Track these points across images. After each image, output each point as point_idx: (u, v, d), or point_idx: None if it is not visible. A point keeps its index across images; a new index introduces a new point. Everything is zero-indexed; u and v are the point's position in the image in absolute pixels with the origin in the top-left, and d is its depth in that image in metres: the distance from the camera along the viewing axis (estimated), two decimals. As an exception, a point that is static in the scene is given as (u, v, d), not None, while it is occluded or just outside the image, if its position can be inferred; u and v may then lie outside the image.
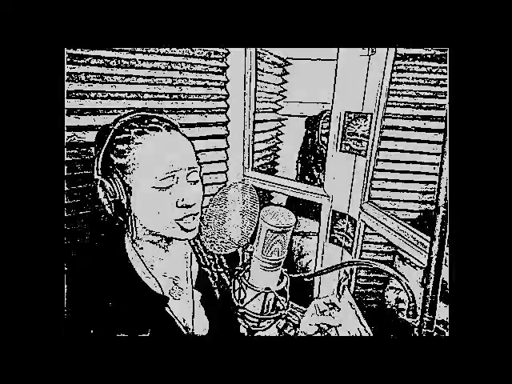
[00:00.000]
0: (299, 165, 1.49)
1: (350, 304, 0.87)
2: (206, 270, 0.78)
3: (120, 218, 0.68)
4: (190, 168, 0.65)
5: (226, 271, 0.78)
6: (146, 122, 0.67)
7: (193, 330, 0.71)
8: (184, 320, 0.71)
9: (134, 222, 0.68)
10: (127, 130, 0.65)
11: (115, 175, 0.64)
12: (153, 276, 0.70)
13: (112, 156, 0.65)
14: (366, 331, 0.80)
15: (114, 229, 0.73)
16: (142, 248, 0.70)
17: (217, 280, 0.76)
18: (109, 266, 0.67)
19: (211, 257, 0.79)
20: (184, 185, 0.64)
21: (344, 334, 0.82)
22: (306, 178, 1.28)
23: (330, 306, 0.87)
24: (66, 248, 0.87)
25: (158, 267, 0.71)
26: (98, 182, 0.64)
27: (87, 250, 0.75)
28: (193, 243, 0.80)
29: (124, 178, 0.64)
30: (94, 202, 1.03)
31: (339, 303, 0.86)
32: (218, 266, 0.78)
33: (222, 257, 0.79)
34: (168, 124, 0.69)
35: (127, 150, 0.64)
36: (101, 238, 0.80)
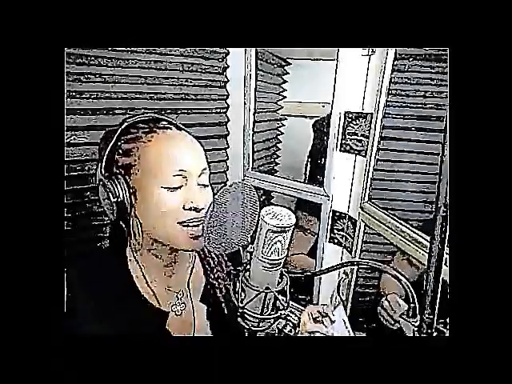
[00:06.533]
0: (308, 168, 1.48)
1: (344, 322, 0.87)
2: (214, 282, 0.75)
3: (121, 223, 0.65)
4: (202, 169, 0.63)
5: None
6: (154, 122, 0.65)
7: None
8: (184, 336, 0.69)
9: (137, 227, 0.64)
10: (134, 130, 0.64)
11: (119, 176, 0.61)
12: (152, 290, 0.66)
13: (117, 156, 0.63)
14: None
15: (115, 237, 0.69)
16: (143, 259, 0.66)
17: (224, 294, 0.74)
18: (108, 278, 0.64)
19: (220, 269, 0.76)
20: (194, 187, 0.62)
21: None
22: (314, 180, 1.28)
23: (324, 314, 0.86)
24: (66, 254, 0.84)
25: (161, 280, 0.68)
26: (101, 183, 0.62)
27: (87, 260, 0.70)
28: (203, 255, 0.77)
29: (128, 179, 0.62)
30: (92, 207, 1.01)
31: (332, 316, 0.85)
32: (227, 279, 0.75)
33: (231, 268, 0.77)
34: (177, 125, 0.68)
35: (134, 149, 0.62)
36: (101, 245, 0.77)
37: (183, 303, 0.70)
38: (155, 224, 0.62)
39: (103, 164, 0.62)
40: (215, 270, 0.76)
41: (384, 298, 1.02)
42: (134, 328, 0.61)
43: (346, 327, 0.86)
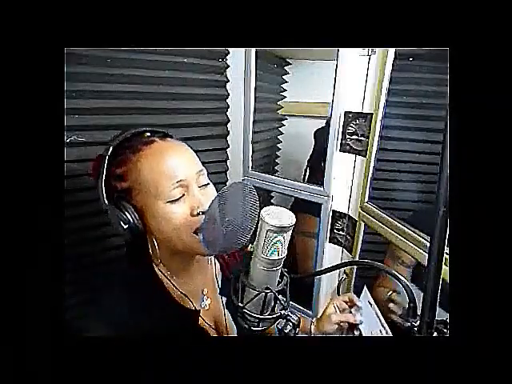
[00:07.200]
0: (307, 172, 1.48)
1: (370, 304, 0.86)
2: (230, 276, 0.77)
3: (140, 241, 0.66)
4: (197, 172, 0.63)
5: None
6: (138, 138, 0.64)
7: (227, 334, 0.71)
8: (218, 326, 0.72)
9: (154, 242, 0.66)
10: (121, 151, 0.63)
11: (123, 201, 0.61)
12: (181, 292, 0.68)
13: (114, 182, 0.63)
14: (386, 332, 0.78)
15: (131, 251, 0.71)
16: (166, 266, 0.68)
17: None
18: (140, 286, 0.66)
19: (234, 262, 0.78)
20: (195, 192, 0.62)
21: (365, 334, 0.82)
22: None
23: (350, 304, 0.86)
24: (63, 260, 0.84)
25: (187, 281, 0.70)
26: (108, 212, 0.62)
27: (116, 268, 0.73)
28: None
29: (133, 202, 0.62)
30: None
31: (359, 302, 0.85)
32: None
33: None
34: (161, 134, 0.67)
35: (127, 172, 0.62)
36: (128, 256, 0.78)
37: (209, 298, 0.72)
38: (171, 237, 0.62)
39: (103, 193, 0.62)
40: (228, 264, 0.78)
41: (394, 293, 1.01)
42: (170, 330, 0.63)
43: (374, 310, 0.84)
